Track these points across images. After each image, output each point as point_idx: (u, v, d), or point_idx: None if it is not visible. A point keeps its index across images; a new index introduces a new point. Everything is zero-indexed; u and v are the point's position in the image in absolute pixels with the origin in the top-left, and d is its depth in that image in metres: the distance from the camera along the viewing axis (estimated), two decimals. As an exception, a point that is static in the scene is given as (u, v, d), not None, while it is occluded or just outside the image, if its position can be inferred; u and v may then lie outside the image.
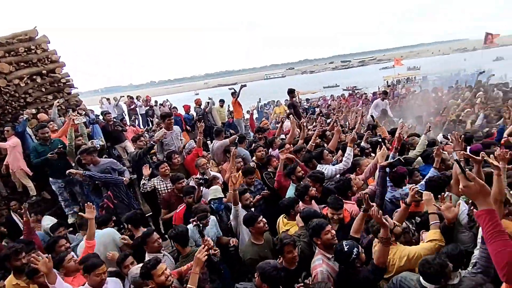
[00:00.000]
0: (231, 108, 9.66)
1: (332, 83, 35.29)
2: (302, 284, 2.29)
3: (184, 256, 3.03)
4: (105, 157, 5.56)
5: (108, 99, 11.19)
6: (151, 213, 5.23)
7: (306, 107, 14.89)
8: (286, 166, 4.16)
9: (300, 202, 3.53)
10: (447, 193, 2.96)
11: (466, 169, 1.47)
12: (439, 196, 2.76)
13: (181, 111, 9.83)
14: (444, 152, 4.24)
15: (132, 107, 11.18)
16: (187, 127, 8.67)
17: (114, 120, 7.20)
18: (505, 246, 1.22)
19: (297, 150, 4.77)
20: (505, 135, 4.54)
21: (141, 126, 11.45)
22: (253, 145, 5.54)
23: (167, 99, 14.00)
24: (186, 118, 9.19)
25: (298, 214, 3.29)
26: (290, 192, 3.83)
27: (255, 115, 10.97)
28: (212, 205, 3.69)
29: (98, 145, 5.92)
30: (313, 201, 3.62)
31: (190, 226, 3.19)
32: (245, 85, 8.64)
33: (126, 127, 7.60)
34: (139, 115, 11.61)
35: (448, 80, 17.47)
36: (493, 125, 6.21)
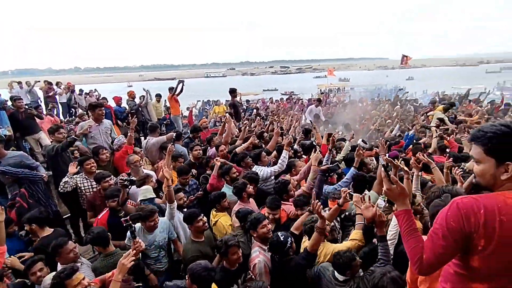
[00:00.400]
0: (168, 104, 9.18)
1: (271, 86, 36.47)
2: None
3: (105, 255, 2.78)
4: (13, 150, 4.76)
5: (19, 83, 9.57)
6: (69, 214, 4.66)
7: (245, 108, 15.07)
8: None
9: (238, 202, 3.56)
10: (366, 192, 3.29)
11: (390, 173, 1.60)
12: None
13: (112, 103, 8.96)
14: (365, 157, 4.72)
15: (50, 94, 9.81)
16: (118, 121, 7.94)
17: (26, 107, 6.19)
18: (418, 243, 1.35)
19: (231, 150, 4.79)
20: (431, 150, 5.22)
21: (61, 117, 10.15)
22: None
23: (95, 89, 12.71)
24: (117, 111, 8.42)
25: (234, 214, 3.31)
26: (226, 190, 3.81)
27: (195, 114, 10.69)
28: (142, 207, 3.40)
29: (4, 135, 5.05)
30: (251, 200, 3.67)
31: (138, 225, 3.00)
32: (183, 81, 8.27)
33: (42, 117, 6.62)
34: (59, 104, 10.29)
35: (372, 93, 19.59)
36: (407, 135, 7.11)
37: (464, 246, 1.25)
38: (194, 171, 4.68)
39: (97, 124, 4.89)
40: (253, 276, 2.63)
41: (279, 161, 4.39)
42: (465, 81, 25.59)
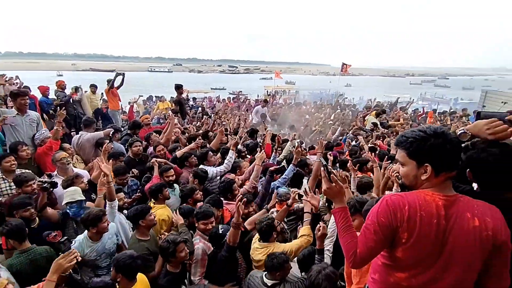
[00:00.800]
0: (105, 97, 8.44)
1: (219, 85, 36.16)
2: None
3: (21, 251, 2.47)
4: None
5: None
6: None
7: (191, 105, 14.68)
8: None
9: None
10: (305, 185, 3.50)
11: (332, 172, 1.67)
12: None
13: (37, 93, 7.89)
14: (308, 157, 4.96)
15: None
16: (43, 113, 7.03)
17: None
18: (353, 238, 1.43)
19: (172, 150, 4.65)
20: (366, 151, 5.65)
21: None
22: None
23: (17, 76, 11.09)
24: (43, 102, 7.44)
25: (178, 211, 3.26)
26: None
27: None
28: (68, 211, 3.00)
29: None
30: (198, 206, 3.53)
31: (80, 237, 2.70)
32: (122, 74, 7.68)
33: None
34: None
35: (315, 97, 20.67)
36: (345, 138, 7.67)
37: (391, 239, 1.35)
38: (135, 170, 4.39)
39: (14, 115, 4.25)
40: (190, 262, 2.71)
41: (225, 161, 4.37)
42: (394, 90, 28.60)
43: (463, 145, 1.44)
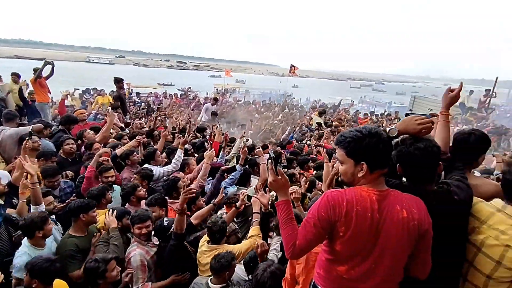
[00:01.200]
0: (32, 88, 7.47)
1: (167, 81, 34.67)
2: None
3: None
4: None
5: None
6: None
7: (136, 101, 13.84)
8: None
9: (126, 206, 3.27)
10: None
11: (279, 167, 1.71)
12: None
13: None
14: (259, 157, 5.02)
15: None
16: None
17: None
18: (294, 230, 1.48)
19: (112, 148, 4.33)
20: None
21: None
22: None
23: None
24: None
25: (109, 212, 2.95)
26: None
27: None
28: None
29: None
30: (143, 203, 3.37)
31: (22, 250, 2.39)
32: (51, 63, 6.89)
33: None
34: None
35: (264, 96, 21.06)
36: (293, 135, 7.98)
37: (329, 233, 1.43)
38: (70, 173, 3.97)
39: None
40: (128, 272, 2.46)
41: (174, 160, 4.22)
42: (337, 93, 30.50)
43: (393, 141, 1.58)
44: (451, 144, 1.87)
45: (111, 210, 2.95)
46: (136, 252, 2.60)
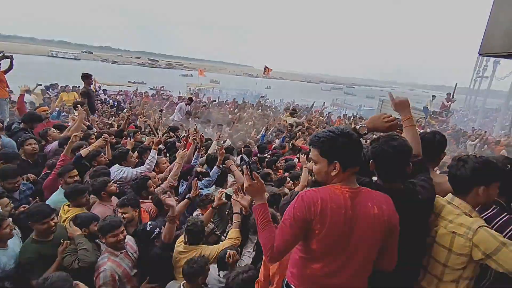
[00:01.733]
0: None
1: (138, 79, 33.56)
2: None
3: None
4: None
5: None
6: None
7: (104, 99, 13.26)
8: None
9: (97, 202, 3.16)
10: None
11: (254, 172, 1.71)
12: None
13: None
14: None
15: None
16: None
17: None
18: (271, 233, 1.49)
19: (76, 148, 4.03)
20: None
21: None
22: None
23: None
24: None
25: (71, 221, 2.75)
26: (56, 196, 3.22)
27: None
28: None
29: None
30: (114, 199, 3.27)
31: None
32: (10, 56, 6.42)
33: None
34: None
35: (238, 96, 21.06)
36: (268, 136, 8.02)
37: (306, 232, 1.45)
38: (32, 176, 3.69)
39: None
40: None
41: (147, 161, 4.09)
42: (310, 95, 31.20)
43: (369, 140, 1.66)
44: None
45: (71, 220, 2.72)
46: (106, 267, 2.37)
